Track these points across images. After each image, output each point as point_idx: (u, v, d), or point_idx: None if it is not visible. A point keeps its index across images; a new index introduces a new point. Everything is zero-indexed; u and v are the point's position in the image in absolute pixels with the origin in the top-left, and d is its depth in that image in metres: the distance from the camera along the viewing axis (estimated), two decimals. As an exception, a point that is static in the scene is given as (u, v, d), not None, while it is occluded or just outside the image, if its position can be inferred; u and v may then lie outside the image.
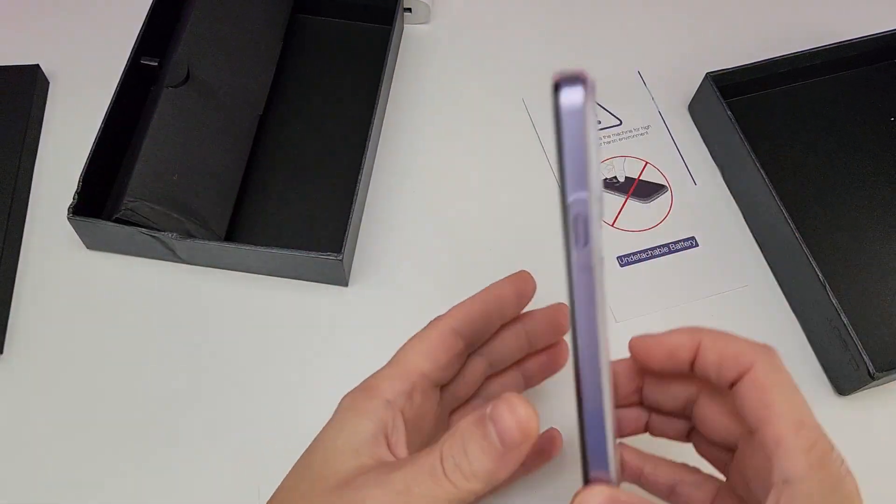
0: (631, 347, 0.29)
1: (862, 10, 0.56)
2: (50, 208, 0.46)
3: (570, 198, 0.22)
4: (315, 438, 0.29)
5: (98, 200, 0.44)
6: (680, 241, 0.46)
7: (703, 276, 0.45)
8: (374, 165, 0.48)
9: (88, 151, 0.43)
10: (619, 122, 0.51)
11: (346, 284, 0.44)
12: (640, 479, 0.31)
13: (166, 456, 0.39)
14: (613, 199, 0.48)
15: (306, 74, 0.51)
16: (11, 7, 0.53)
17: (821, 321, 0.41)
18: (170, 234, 0.41)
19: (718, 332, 0.28)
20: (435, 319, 0.31)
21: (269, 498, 0.29)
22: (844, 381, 0.41)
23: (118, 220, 0.41)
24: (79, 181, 0.42)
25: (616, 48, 0.54)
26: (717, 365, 0.27)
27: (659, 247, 0.46)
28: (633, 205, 0.48)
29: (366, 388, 0.29)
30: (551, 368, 0.36)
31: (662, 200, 0.48)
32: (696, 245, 0.46)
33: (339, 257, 0.41)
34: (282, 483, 0.29)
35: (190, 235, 0.41)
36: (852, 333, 0.39)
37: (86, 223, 0.42)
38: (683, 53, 0.54)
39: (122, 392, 0.41)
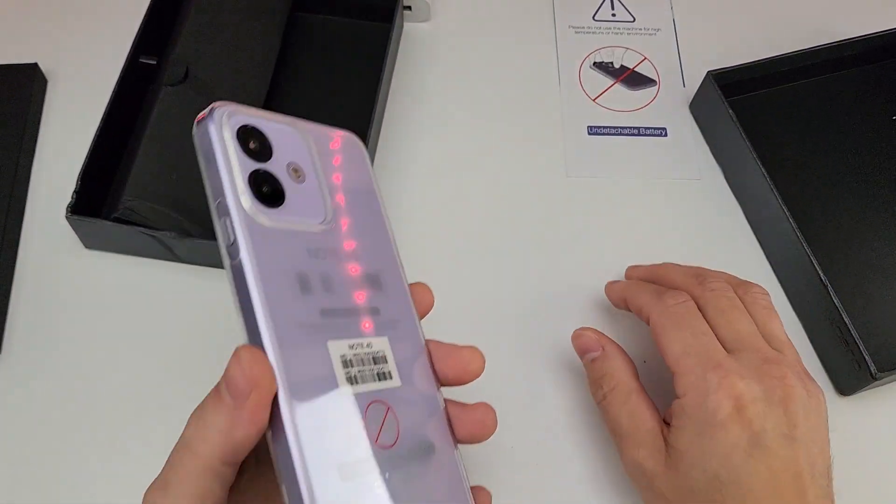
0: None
1: (863, 8, 0.56)
2: (48, 207, 0.46)
3: (215, 202, 0.24)
4: None
5: (97, 199, 0.44)
6: (651, 128, 0.50)
7: (662, 161, 0.49)
8: (374, 165, 0.48)
9: (87, 150, 0.43)
10: (632, 20, 0.55)
11: (345, 284, 0.44)
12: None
13: (165, 455, 0.39)
14: (602, 80, 0.52)
15: (306, 73, 0.51)
16: (10, 5, 0.53)
17: (822, 321, 0.41)
18: (168, 234, 0.41)
19: (635, 286, 0.39)
20: None
21: None
22: (846, 381, 0.41)
23: (117, 220, 0.41)
24: (77, 180, 0.42)
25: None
26: (638, 313, 0.37)
27: (630, 128, 0.50)
28: (620, 90, 0.52)
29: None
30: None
31: (648, 92, 0.52)
32: (666, 135, 0.50)
33: (339, 257, 0.40)
34: None
35: (189, 235, 0.41)
36: (854, 333, 0.39)
37: (84, 222, 0.42)
38: (685, 52, 0.54)
39: (120, 392, 0.40)
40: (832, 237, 0.45)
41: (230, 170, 0.24)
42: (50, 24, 0.53)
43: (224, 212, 0.24)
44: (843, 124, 0.50)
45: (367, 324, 0.26)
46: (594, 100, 0.52)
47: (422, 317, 0.28)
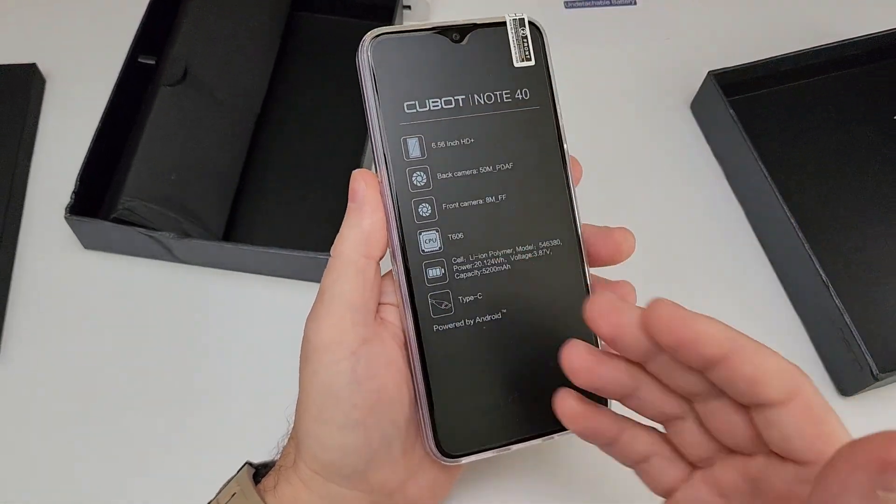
0: (650, 317, 0.23)
1: (863, 8, 0.56)
2: (47, 208, 0.46)
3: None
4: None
5: (95, 200, 0.44)
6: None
7: (635, 31, 0.54)
8: (374, 163, 0.48)
9: (85, 150, 0.43)
10: (633, 3, 0.57)
11: (345, 284, 0.44)
12: (613, 446, 0.28)
13: (165, 455, 0.39)
14: None
15: (305, 72, 0.51)
16: (9, 5, 0.53)
17: (824, 322, 0.41)
18: (167, 234, 0.41)
19: (758, 345, 0.23)
20: None
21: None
22: (848, 382, 0.41)
23: (115, 220, 0.41)
24: (76, 180, 0.42)
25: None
26: (752, 381, 0.23)
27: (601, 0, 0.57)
28: None
29: None
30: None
31: None
32: (635, 4, 0.56)
33: (338, 257, 0.40)
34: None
35: (187, 235, 0.41)
36: (855, 334, 0.39)
37: (83, 223, 0.41)
38: (686, 52, 0.54)
39: (118, 391, 0.40)
40: (833, 237, 0.45)
41: None
42: (49, 24, 0.53)
43: None
44: (844, 123, 0.50)
45: None
46: None
47: None
